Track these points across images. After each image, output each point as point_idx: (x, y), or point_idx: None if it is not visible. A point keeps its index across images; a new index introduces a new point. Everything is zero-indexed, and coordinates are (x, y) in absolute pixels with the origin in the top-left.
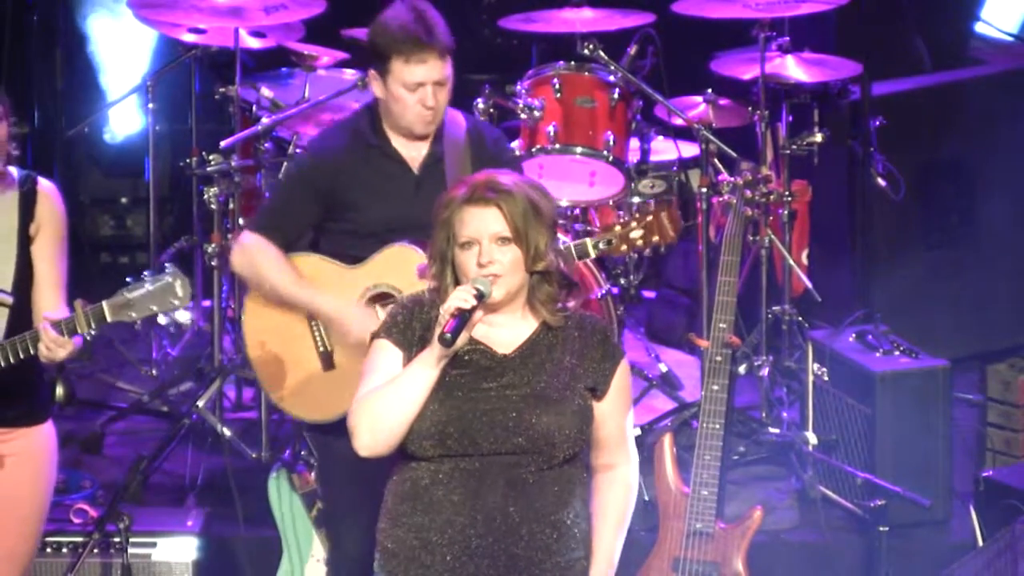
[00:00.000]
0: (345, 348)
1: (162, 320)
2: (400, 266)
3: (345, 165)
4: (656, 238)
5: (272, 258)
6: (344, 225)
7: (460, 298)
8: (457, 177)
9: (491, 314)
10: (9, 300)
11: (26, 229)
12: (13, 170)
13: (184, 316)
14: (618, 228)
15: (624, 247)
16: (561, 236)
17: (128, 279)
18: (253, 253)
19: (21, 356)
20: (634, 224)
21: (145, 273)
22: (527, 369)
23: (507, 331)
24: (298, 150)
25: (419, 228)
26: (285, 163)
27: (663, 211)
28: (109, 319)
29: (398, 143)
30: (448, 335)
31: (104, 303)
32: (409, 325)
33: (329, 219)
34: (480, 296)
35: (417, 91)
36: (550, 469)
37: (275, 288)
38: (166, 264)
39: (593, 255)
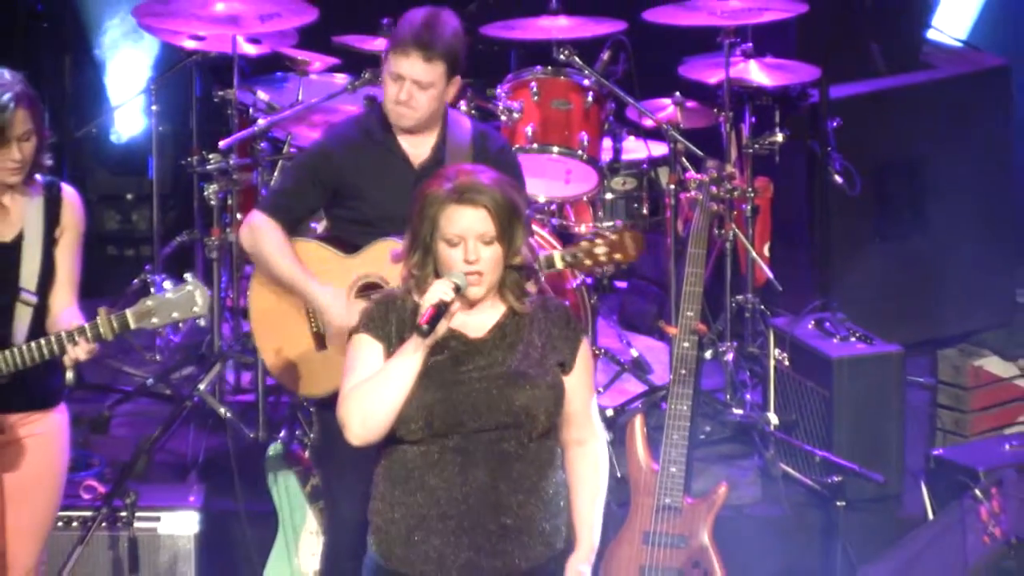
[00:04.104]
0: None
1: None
2: (389, 261)
3: (351, 156)
4: (619, 256)
5: (275, 240)
6: (346, 213)
7: (441, 291)
8: None
9: (467, 308)
10: (33, 300)
11: (51, 233)
12: (37, 176)
13: (201, 321)
14: (585, 244)
15: (588, 262)
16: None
17: (136, 279)
18: (259, 232)
19: (46, 358)
20: (600, 242)
21: (163, 279)
22: (500, 350)
23: (478, 317)
24: (292, 149)
25: None
26: (280, 161)
27: (627, 232)
28: (133, 326)
29: (403, 140)
30: (425, 327)
31: (128, 311)
32: (386, 319)
33: (333, 205)
34: (457, 289)
35: (397, 82)
36: (531, 442)
37: (273, 269)
38: (187, 275)
39: (560, 267)
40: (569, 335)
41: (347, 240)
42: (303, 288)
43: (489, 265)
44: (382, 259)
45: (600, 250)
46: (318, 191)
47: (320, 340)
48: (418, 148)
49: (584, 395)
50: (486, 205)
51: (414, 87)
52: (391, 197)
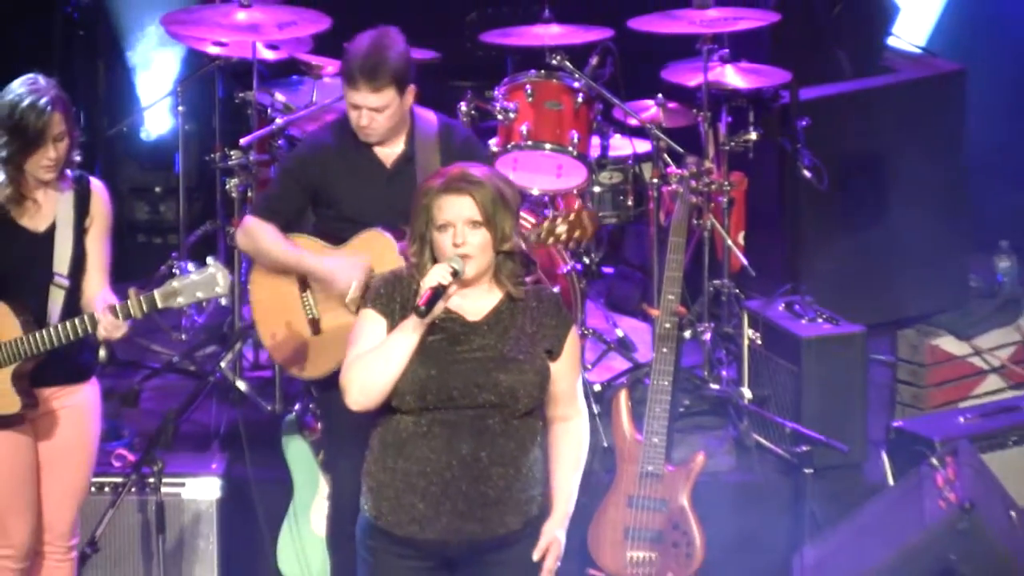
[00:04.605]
0: (329, 315)
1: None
2: (373, 247)
3: (329, 161)
4: (577, 232)
5: (268, 232)
6: (329, 211)
7: (439, 275)
8: (427, 172)
9: (463, 288)
10: (66, 284)
11: (82, 222)
12: (67, 171)
13: (223, 301)
14: (546, 224)
15: (550, 240)
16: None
17: (163, 267)
18: (253, 231)
19: (80, 335)
20: (559, 220)
21: (187, 264)
22: (493, 334)
23: (476, 302)
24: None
25: (391, 215)
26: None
27: (583, 211)
28: (160, 306)
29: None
30: (423, 308)
31: (155, 292)
32: (391, 297)
33: (317, 205)
34: (455, 273)
35: (355, 110)
36: (514, 420)
37: (271, 255)
38: (209, 258)
39: (524, 247)
40: (559, 324)
41: (333, 234)
42: (298, 262)
43: (477, 249)
44: (366, 248)
45: (560, 228)
46: (301, 193)
47: (315, 326)
48: (388, 150)
49: (570, 378)
50: (471, 193)
51: (371, 112)
52: (367, 195)
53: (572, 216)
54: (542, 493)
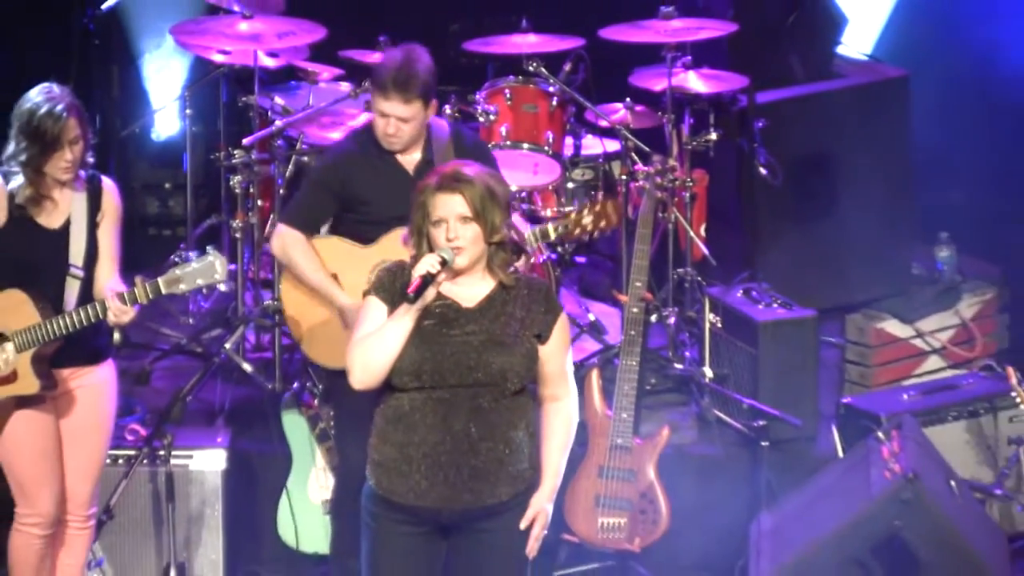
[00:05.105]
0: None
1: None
2: (401, 247)
3: (355, 170)
4: (603, 223)
5: (301, 249)
6: (356, 216)
7: (428, 264)
8: None
9: (458, 276)
10: (81, 275)
11: (94, 217)
12: (81, 172)
13: (223, 286)
14: (573, 215)
15: (577, 231)
16: (517, 218)
17: (173, 257)
18: (287, 243)
19: (92, 320)
20: (586, 212)
21: (192, 254)
22: (485, 319)
23: (470, 289)
24: (304, 146)
25: None
26: (293, 158)
27: (609, 201)
28: (164, 291)
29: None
30: (412, 295)
31: (159, 279)
32: (393, 284)
33: (344, 211)
34: (444, 262)
35: (383, 119)
36: (504, 399)
37: (302, 276)
38: (208, 247)
39: (553, 237)
40: (548, 310)
41: (362, 234)
42: (327, 293)
43: (468, 241)
44: (394, 248)
45: (587, 219)
46: (330, 201)
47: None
48: (409, 157)
49: (559, 360)
50: (461, 191)
51: (399, 122)
52: (393, 199)
53: (598, 207)
54: (531, 467)
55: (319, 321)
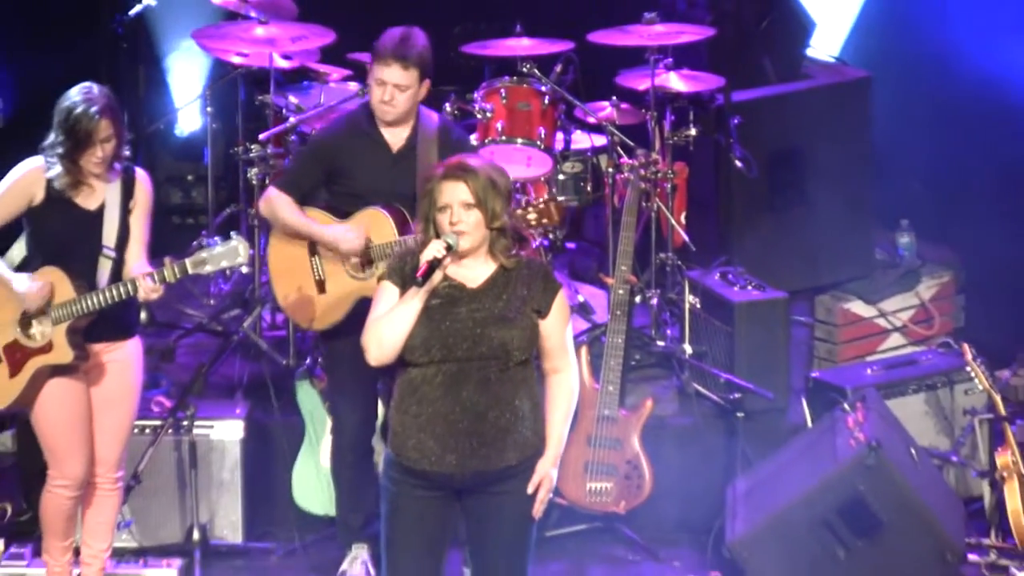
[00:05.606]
0: (333, 277)
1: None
2: (373, 223)
3: (343, 144)
4: (545, 220)
5: (285, 203)
6: (340, 188)
7: (435, 249)
8: (425, 160)
9: (463, 259)
10: (113, 255)
11: (127, 204)
12: (116, 164)
13: (245, 268)
14: (519, 212)
15: (523, 224)
16: None
17: (195, 243)
18: (273, 201)
19: (123, 297)
20: (531, 210)
21: (213, 240)
22: (488, 298)
23: (474, 271)
24: None
25: (394, 196)
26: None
27: (552, 202)
28: (190, 271)
29: (384, 131)
30: (420, 279)
31: (186, 260)
32: (403, 269)
33: (330, 182)
34: (449, 247)
35: (381, 87)
36: (508, 370)
37: (286, 222)
38: (232, 233)
39: (517, 226)
40: (546, 288)
41: (341, 209)
42: (309, 230)
43: (470, 226)
44: (366, 223)
45: (531, 217)
46: (317, 171)
47: (321, 286)
48: (396, 137)
49: (559, 334)
50: (465, 180)
51: (395, 90)
52: (373, 175)
53: (542, 206)
54: (536, 434)
55: (300, 284)
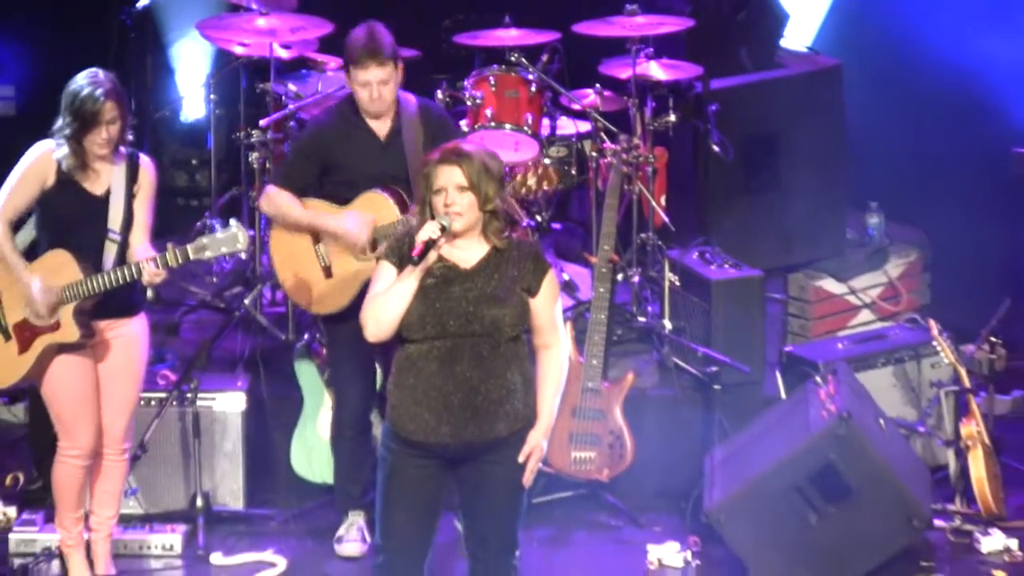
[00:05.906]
0: (339, 262)
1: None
2: (373, 204)
3: (333, 137)
4: (545, 183)
5: (286, 198)
6: (335, 178)
7: (429, 230)
8: (413, 142)
9: (457, 239)
10: (118, 239)
11: (131, 189)
12: (121, 148)
13: (244, 254)
14: (519, 176)
15: (523, 190)
16: None
17: (198, 224)
18: (273, 198)
19: (127, 280)
20: (530, 174)
21: (215, 222)
22: (481, 278)
23: (467, 252)
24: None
25: (387, 179)
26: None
27: (551, 166)
28: (192, 257)
29: (369, 121)
30: (415, 258)
31: (188, 246)
32: (400, 249)
33: (325, 174)
34: (443, 228)
35: (366, 87)
36: (500, 346)
37: (288, 217)
38: (232, 220)
39: (508, 208)
40: (536, 268)
41: (339, 196)
42: (312, 222)
43: (464, 208)
44: (367, 205)
45: (531, 180)
46: (314, 166)
47: (327, 271)
48: (381, 125)
49: (549, 312)
50: (459, 164)
51: (380, 86)
52: (365, 162)
53: (540, 169)
54: (527, 407)
55: (305, 271)
